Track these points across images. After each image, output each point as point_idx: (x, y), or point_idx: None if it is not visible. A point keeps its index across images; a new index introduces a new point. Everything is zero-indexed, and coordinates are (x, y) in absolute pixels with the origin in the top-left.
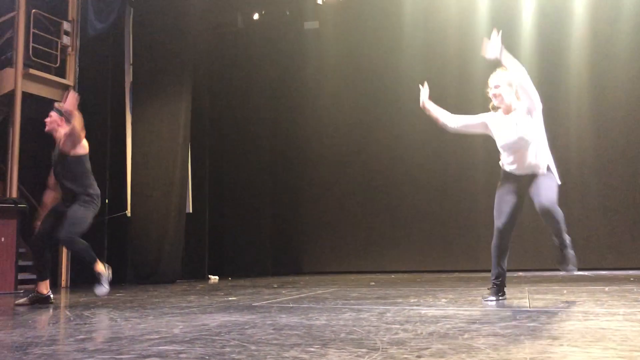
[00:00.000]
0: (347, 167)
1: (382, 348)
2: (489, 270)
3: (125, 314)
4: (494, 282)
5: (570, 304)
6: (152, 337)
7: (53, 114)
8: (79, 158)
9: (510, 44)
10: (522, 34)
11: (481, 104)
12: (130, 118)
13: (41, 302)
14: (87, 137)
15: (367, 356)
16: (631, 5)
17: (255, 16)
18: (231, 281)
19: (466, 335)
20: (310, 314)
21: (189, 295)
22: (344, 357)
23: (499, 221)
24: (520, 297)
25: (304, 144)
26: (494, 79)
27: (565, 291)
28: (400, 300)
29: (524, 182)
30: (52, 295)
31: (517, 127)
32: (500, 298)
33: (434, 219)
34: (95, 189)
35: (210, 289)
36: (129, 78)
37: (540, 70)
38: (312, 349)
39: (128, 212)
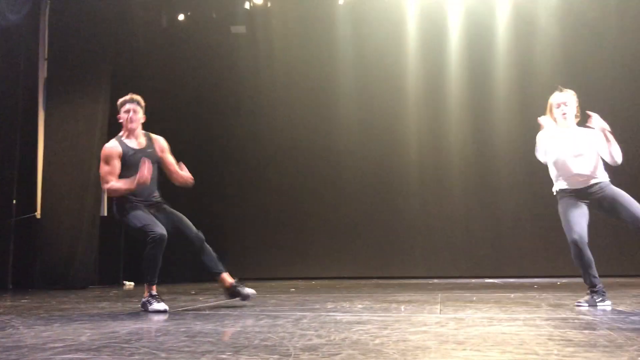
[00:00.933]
0: (273, 169)
1: (294, 354)
2: (410, 277)
3: (29, 322)
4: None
5: (478, 310)
6: (56, 345)
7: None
8: None
9: (440, 53)
10: (451, 42)
11: (411, 110)
12: (44, 116)
13: None
14: None
15: None
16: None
17: (180, 17)
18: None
19: (377, 341)
20: (226, 321)
21: (100, 301)
22: None
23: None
24: (433, 303)
25: (228, 145)
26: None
27: (474, 298)
28: (317, 306)
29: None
30: None
31: None
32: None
33: (358, 224)
34: None
35: (124, 295)
36: (43, 74)
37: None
38: (224, 356)
39: (38, 214)
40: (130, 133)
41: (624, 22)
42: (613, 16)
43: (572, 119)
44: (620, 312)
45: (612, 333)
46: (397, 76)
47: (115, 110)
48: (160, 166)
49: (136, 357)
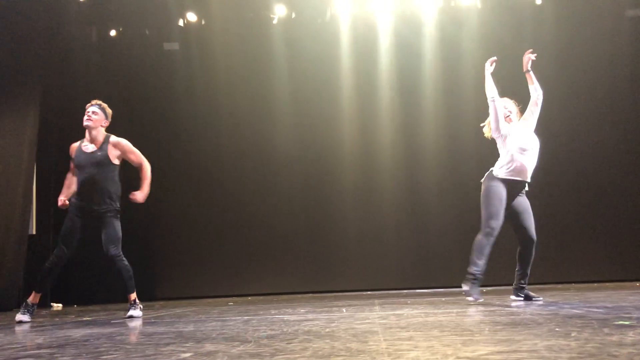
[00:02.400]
0: (207, 185)
1: (254, 341)
2: (344, 291)
3: None
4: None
5: (414, 308)
6: (14, 346)
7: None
8: None
9: (370, 70)
10: (380, 59)
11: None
12: None
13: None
14: None
15: (241, 346)
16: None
17: (112, 32)
18: (78, 308)
19: (327, 329)
20: (176, 325)
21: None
22: (220, 348)
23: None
24: (371, 305)
25: (161, 161)
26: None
27: (409, 301)
28: (261, 312)
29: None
30: None
31: None
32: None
33: (290, 239)
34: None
35: (55, 314)
36: None
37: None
38: (188, 344)
39: None
40: (88, 133)
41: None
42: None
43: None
44: (550, 303)
45: (533, 316)
46: (329, 90)
47: (44, 127)
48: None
49: (102, 349)
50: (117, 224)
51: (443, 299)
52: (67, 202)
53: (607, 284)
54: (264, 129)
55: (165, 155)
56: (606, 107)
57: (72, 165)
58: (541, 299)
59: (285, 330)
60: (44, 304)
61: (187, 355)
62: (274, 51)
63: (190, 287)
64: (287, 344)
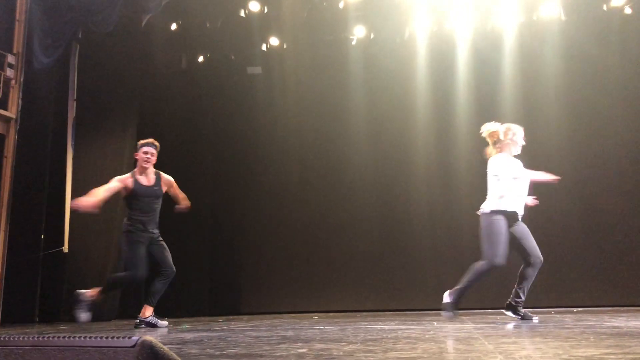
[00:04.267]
0: (287, 203)
1: (360, 342)
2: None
3: None
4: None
5: (506, 323)
6: None
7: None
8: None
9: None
10: (458, 80)
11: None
12: (72, 154)
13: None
14: (27, 171)
15: (350, 345)
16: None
17: (200, 58)
18: (168, 320)
19: (427, 335)
20: (276, 331)
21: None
22: (331, 346)
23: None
24: (461, 321)
25: (245, 181)
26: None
27: (498, 317)
28: (352, 323)
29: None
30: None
31: None
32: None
33: (368, 258)
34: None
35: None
36: (72, 113)
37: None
38: (299, 344)
39: (65, 248)
40: (143, 171)
41: (624, 62)
42: (616, 55)
43: None
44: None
45: (638, 329)
46: (407, 109)
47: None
48: (165, 200)
49: (221, 346)
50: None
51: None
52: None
53: None
54: (344, 150)
55: (250, 176)
56: None
57: (115, 187)
58: (537, 318)
59: (384, 336)
60: (137, 315)
61: (304, 350)
62: (353, 72)
63: (270, 304)
64: (393, 344)
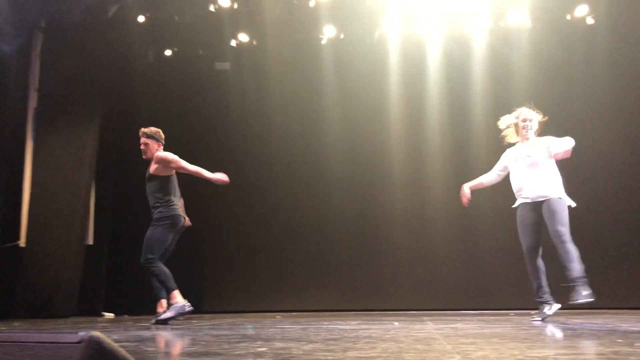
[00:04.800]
0: (257, 201)
1: (321, 341)
2: (391, 310)
3: None
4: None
5: (466, 323)
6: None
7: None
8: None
9: (419, 90)
10: (429, 80)
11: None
12: (32, 145)
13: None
14: None
15: (311, 344)
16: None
17: (167, 52)
18: (129, 317)
19: (387, 335)
20: (237, 330)
21: (93, 329)
22: (291, 345)
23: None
24: (422, 322)
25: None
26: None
27: (459, 318)
28: (314, 323)
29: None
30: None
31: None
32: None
33: (335, 257)
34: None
35: (111, 322)
36: (32, 104)
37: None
38: (259, 342)
39: (22, 242)
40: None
41: (589, 69)
42: (580, 62)
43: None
44: (606, 322)
45: (592, 331)
46: (378, 109)
47: (104, 141)
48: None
49: (181, 344)
50: (156, 231)
51: (493, 317)
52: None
53: None
54: (314, 148)
55: (222, 172)
56: None
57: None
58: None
59: (345, 335)
60: (96, 312)
61: (263, 349)
62: (323, 71)
63: (233, 302)
64: (353, 344)
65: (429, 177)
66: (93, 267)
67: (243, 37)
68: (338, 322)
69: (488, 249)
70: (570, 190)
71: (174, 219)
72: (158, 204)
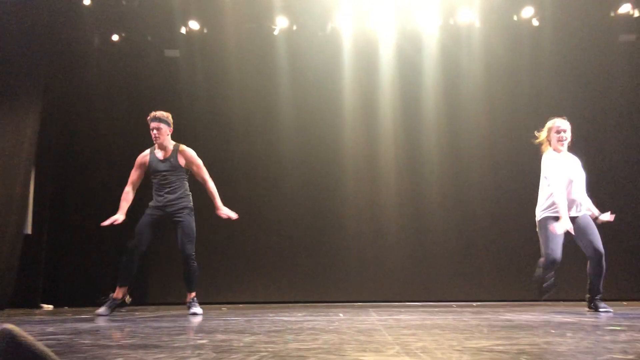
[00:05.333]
0: (203, 192)
1: (264, 333)
2: (338, 301)
3: None
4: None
5: (409, 314)
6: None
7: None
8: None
9: (371, 83)
10: (381, 74)
11: (348, 132)
12: None
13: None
14: None
15: (253, 336)
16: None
17: (115, 37)
18: (70, 309)
19: (331, 327)
20: (180, 322)
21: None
22: (233, 337)
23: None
24: (366, 313)
25: None
26: (563, 124)
27: (403, 310)
28: (259, 314)
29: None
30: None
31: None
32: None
33: (282, 249)
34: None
35: (51, 314)
36: None
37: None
38: (200, 335)
39: None
40: (158, 146)
41: (534, 69)
42: (527, 62)
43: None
44: (543, 313)
45: (528, 322)
46: (331, 102)
47: (45, 127)
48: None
49: (118, 336)
50: (193, 222)
51: (436, 309)
52: (118, 220)
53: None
54: (265, 138)
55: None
56: (598, 129)
57: (137, 174)
58: (611, 310)
59: (289, 327)
60: (34, 304)
61: (204, 341)
62: (276, 61)
63: (179, 294)
64: (296, 335)
65: (381, 170)
66: (31, 257)
67: (194, 25)
68: (284, 314)
69: (433, 242)
70: (513, 192)
71: None
72: (188, 193)
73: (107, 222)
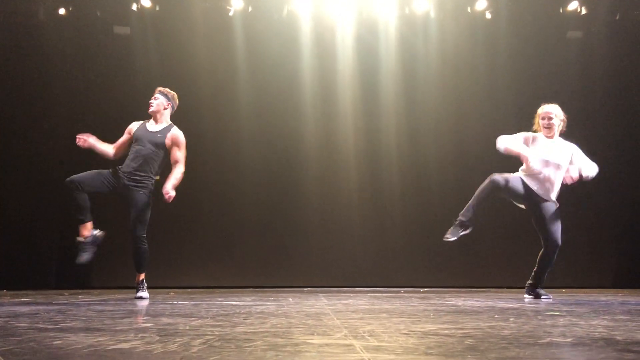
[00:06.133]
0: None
1: (210, 317)
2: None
3: None
4: None
5: (358, 299)
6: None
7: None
8: None
9: (328, 66)
10: (340, 58)
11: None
12: None
13: None
14: None
15: (200, 320)
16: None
17: (61, 11)
18: (9, 292)
19: (280, 311)
20: (124, 306)
21: None
22: (179, 321)
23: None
24: (316, 298)
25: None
26: (548, 110)
27: (351, 295)
28: (207, 299)
29: (534, 201)
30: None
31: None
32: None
33: (236, 233)
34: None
35: None
36: None
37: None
38: (145, 318)
39: None
40: (152, 117)
41: (488, 60)
42: (481, 54)
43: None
44: (487, 299)
45: (473, 308)
46: (290, 89)
47: None
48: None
49: (58, 319)
50: (148, 204)
51: (384, 294)
52: (86, 141)
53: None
54: (222, 120)
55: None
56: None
57: (122, 139)
58: (551, 297)
59: (237, 311)
60: None
61: (148, 325)
62: (231, 43)
63: (124, 278)
64: (244, 319)
65: (339, 156)
66: None
67: (145, 2)
68: (233, 298)
69: (385, 228)
70: (467, 180)
71: None
72: (154, 178)
73: (81, 137)
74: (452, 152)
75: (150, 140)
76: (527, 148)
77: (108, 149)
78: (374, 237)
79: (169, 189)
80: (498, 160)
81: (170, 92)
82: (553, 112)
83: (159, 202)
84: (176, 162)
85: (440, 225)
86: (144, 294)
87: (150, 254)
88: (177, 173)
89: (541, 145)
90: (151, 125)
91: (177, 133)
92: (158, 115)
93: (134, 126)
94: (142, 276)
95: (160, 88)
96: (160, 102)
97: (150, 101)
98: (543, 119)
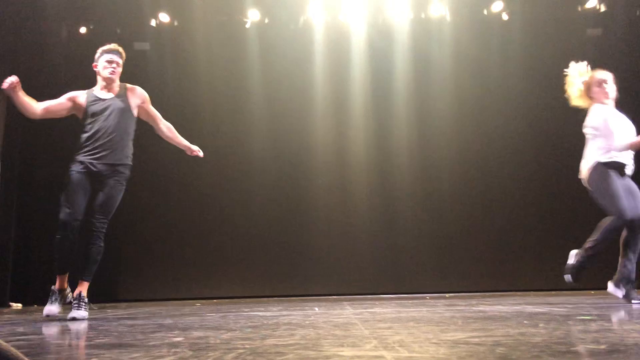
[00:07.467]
0: (180, 186)
1: (239, 329)
2: (313, 295)
3: None
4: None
5: (384, 307)
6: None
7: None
8: None
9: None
10: (354, 67)
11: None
12: None
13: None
14: None
15: (229, 333)
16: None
17: (82, 30)
18: (38, 307)
19: (307, 322)
20: (154, 319)
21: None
22: (209, 334)
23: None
24: (341, 307)
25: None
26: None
27: (377, 303)
28: (234, 310)
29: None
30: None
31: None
32: None
33: (257, 243)
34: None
35: (18, 313)
36: None
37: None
38: (175, 332)
39: None
40: (107, 85)
41: (504, 62)
42: (496, 56)
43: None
44: (515, 304)
45: (501, 313)
46: (303, 95)
47: (11, 122)
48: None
49: (90, 335)
50: (121, 194)
51: (410, 301)
52: (15, 85)
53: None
54: (237, 132)
55: (135, 157)
56: (566, 123)
57: (59, 103)
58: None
59: (265, 322)
60: (2, 303)
61: (179, 339)
62: (247, 54)
63: (151, 290)
64: (272, 331)
65: (352, 163)
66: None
67: (164, 17)
68: (259, 308)
69: (406, 234)
70: (483, 184)
71: None
72: (130, 156)
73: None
74: (468, 158)
75: (113, 107)
76: (619, 126)
77: (34, 104)
78: (395, 244)
79: (192, 146)
80: (514, 165)
81: (122, 50)
82: (610, 75)
83: (181, 210)
84: (156, 117)
85: (458, 229)
86: (81, 312)
87: (176, 266)
88: (171, 127)
89: (618, 115)
90: (102, 93)
91: (137, 88)
92: (114, 85)
93: (80, 97)
94: (86, 286)
95: (112, 46)
96: (120, 69)
97: (112, 65)
98: (602, 84)
